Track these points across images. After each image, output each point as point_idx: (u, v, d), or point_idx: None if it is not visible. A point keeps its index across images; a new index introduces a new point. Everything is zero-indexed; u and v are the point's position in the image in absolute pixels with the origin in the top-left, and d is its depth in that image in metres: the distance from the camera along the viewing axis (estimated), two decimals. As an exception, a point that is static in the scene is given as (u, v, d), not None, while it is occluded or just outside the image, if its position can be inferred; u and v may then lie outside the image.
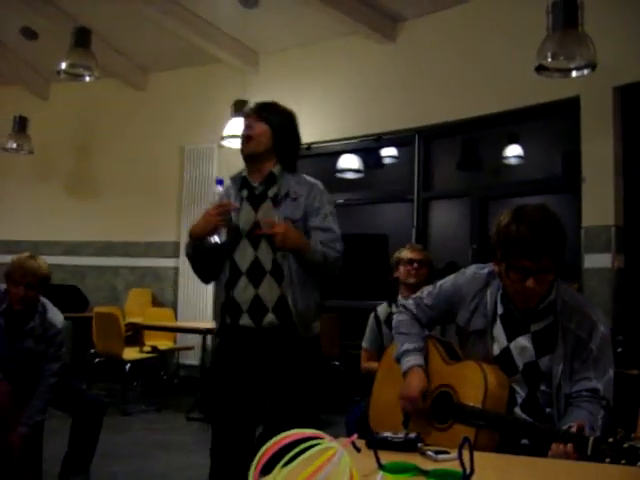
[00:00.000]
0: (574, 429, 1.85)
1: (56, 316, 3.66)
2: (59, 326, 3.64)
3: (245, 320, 2.85)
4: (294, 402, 2.87)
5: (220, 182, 2.99)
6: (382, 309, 4.00)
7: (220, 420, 2.94)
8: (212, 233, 2.87)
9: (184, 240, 8.01)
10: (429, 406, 2.27)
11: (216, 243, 2.89)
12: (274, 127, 2.93)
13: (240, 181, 2.98)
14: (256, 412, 2.92)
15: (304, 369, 2.89)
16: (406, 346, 2.41)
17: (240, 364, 2.89)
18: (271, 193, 2.91)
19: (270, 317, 2.83)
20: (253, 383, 2.89)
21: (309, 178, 3.01)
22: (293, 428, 2.92)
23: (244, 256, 2.87)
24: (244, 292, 2.85)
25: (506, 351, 2.26)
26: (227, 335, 2.95)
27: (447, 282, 2.48)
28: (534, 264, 2.10)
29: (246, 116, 2.99)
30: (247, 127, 2.93)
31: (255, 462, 1.11)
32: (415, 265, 3.88)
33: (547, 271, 2.12)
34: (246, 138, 2.92)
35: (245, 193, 2.94)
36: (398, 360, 2.41)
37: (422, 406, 2.25)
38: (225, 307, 2.91)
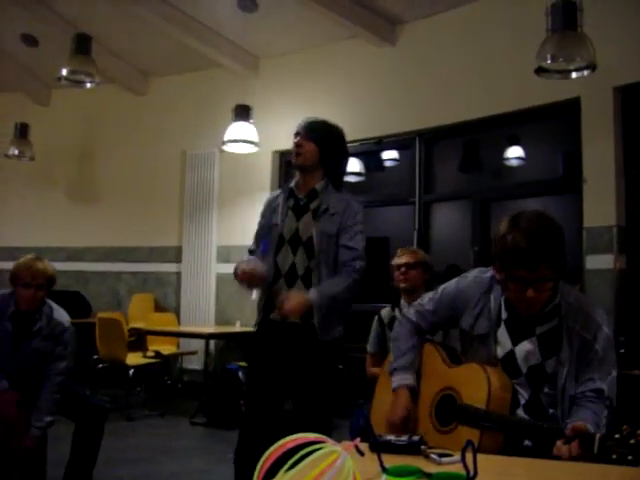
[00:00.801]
0: (569, 431, 1.85)
1: (62, 315, 3.69)
2: (66, 324, 3.68)
3: (275, 315, 3.14)
4: (304, 399, 3.14)
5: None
6: (385, 313, 4.01)
7: (250, 400, 3.29)
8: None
9: (186, 245, 8.11)
10: (433, 409, 2.27)
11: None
12: (321, 145, 3.20)
13: (288, 191, 3.28)
14: (281, 395, 3.22)
15: (318, 370, 3.13)
16: (396, 363, 2.43)
17: (267, 355, 3.20)
18: (313, 206, 3.20)
19: (294, 316, 3.07)
20: (276, 372, 3.17)
21: (349, 196, 3.27)
22: (303, 425, 3.05)
23: (285, 260, 3.17)
24: (278, 290, 3.14)
25: (510, 355, 2.26)
26: (261, 328, 3.25)
27: (449, 287, 2.47)
28: (531, 274, 2.08)
29: (296, 134, 3.23)
30: (297, 145, 3.21)
31: (259, 467, 1.11)
32: (402, 269, 3.90)
33: (546, 280, 2.11)
34: (297, 152, 3.21)
35: (291, 203, 3.24)
36: (390, 374, 2.44)
37: (409, 426, 2.28)
38: (266, 305, 3.21)
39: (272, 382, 3.17)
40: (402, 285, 3.89)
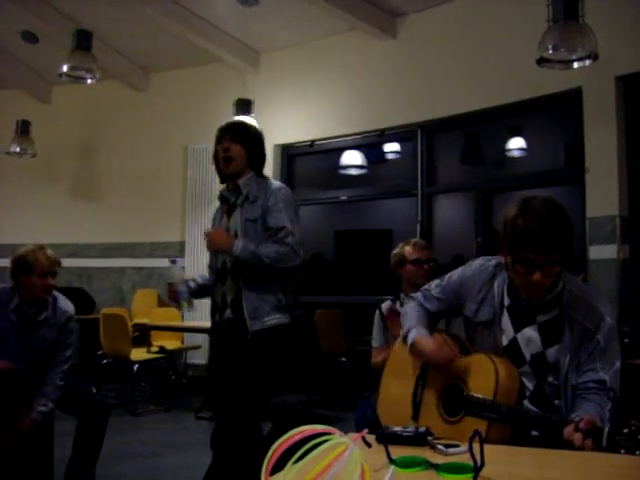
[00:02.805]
0: (583, 424, 1.84)
1: (66, 304, 3.73)
2: (70, 312, 3.72)
3: (217, 316, 3.28)
4: (236, 391, 3.14)
5: (174, 261, 3.41)
6: (386, 306, 3.97)
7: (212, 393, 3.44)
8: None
9: (189, 240, 8.11)
10: (440, 399, 2.27)
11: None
12: (248, 147, 3.30)
13: (220, 199, 3.40)
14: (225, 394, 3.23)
15: (250, 360, 3.13)
16: (408, 324, 2.45)
17: (214, 354, 3.41)
18: (239, 201, 3.26)
19: (228, 312, 3.21)
20: (219, 369, 3.28)
21: (272, 182, 3.35)
22: (233, 415, 3.08)
23: (218, 259, 3.28)
24: (218, 292, 3.28)
25: (514, 342, 2.27)
26: (212, 329, 3.40)
27: (454, 274, 2.49)
28: (540, 257, 2.09)
29: (221, 139, 3.29)
30: (226, 149, 3.25)
31: (266, 460, 1.11)
32: (425, 267, 3.73)
33: (553, 264, 2.11)
34: (226, 160, 3.26)
35: (225, 207, 3.35)
36: (404, 339, 2.43)
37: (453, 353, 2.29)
38: (211, 308, 3.34)
39: (219, 379, 3.28)
40: (421, 281, 3.65)
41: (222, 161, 3.28)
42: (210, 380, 3.50)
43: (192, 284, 3.42)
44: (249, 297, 3.14)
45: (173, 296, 3.43)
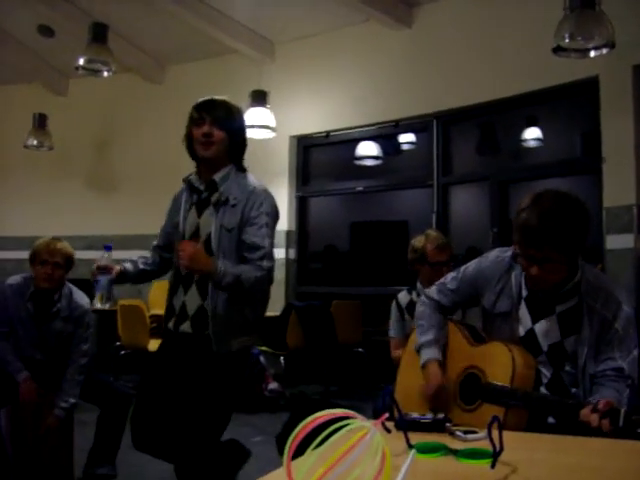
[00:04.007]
0: (601, 405, 1.86)
1: (82, 298, 3.77)
2: (86, 307, 3.75)
3: (171, 323, 2.90)
4: (194, 415, 2.81)
5: (108, 248, 2.93)
6: (403, 296, 3.98)
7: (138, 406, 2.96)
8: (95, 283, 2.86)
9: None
10: (457, 388, 2.28)
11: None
12: (231, 133, 2.88)
13: (188, 186, 2.97)
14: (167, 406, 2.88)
15: (206, 386, 2.80)
16: (423, 339, 2.44)
17: (162, 364, 2.94)
18: (214, 199, 2.85)
19: (187, 325, 2.83)
20: (168, 383, 2.88)
21: (253, 181, 2.90)
22: (187, 437, 2.75)
23: None
24: (178, 298, 2.89)
25: (531, 332, 2.28)
26: (163, 336, 3.04)
27: (470, 266, 2.49)
28: (539, 253, 2.11)
29: (200, 120, 2.86)
30: (207, 134, 2.83)
31: (288, 444, 1.13)
32: (445, 269, 3.59)
33: (553, 261, 2.12)
34: (207, 142, 2.84)
35: (194, 198, 2.93)
36: (417, 352, 2.45)
37: (443, 397, 2.28)
38: (166, 311, 2.95)
39: (160, 393, 2.87)
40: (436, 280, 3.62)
41: (201, 145, 2.84)
42: (144, 394, 2.97)
43: (117, 270, 2.88)
44: (216, 315, 2.77)
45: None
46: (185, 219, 2.91)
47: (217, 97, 2.93)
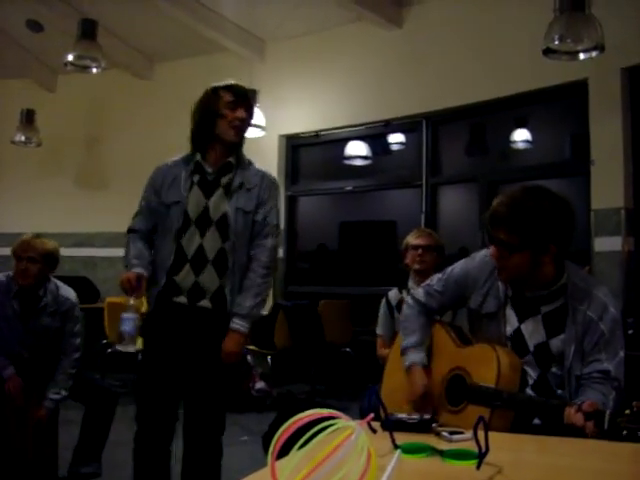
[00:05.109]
0: (585, 406, 1.86)
1: (69, 292, 3.76)
2: (73, 300, 3.74)
3: (181, 299, 2.87)
4: (214, 381, 2.89)
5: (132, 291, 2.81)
6: (393, 294, 3.99)
7: (146, 390, 2.98)
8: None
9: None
10: (443, 389, 2.28)
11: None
12: (251, 116, 2.98)
13: (194, 165, 2.93)
14: (179, 386, 2.92)
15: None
16: (406, 342, 2.46)
17: (169, 339, 2.89)
18: (224, 181, 2.89)
19: (205, 302, 2.85)
20: (179, 358, 2.88)
21: (263, 169, 3.01)
22: (207, 406, 2.84)
23: (191, 242, 2.85)
24: (185, 279, 2.85)
25: (518, 332, 2.28)
26: (160, 310, 2.93)
27: (457, 267, 2.50)
28: (493, 231, 2.20)
29: (239, 103, 2.91)
30: (244, 119, 2.90)
31: (272, 444, 1.12)
32: (420, 251, 3.80)
33: (504, 245, 2.17)
34: (241, 127, 2.90)
35: (197, 178, 2.91)
36: (402, 354, 2.46)
37: (428, 400, 2.30)
38: (164, 290, 2.89)
39: (172, 369, 2.88)
40: (416, 266, 3.82)
41: (234, 128, 2.87)
42: (150, 367, 2.96)
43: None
44: (234, 291, 2.86)
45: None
46: (187, 198, 2.87)
47: (242, 84, 3.01)
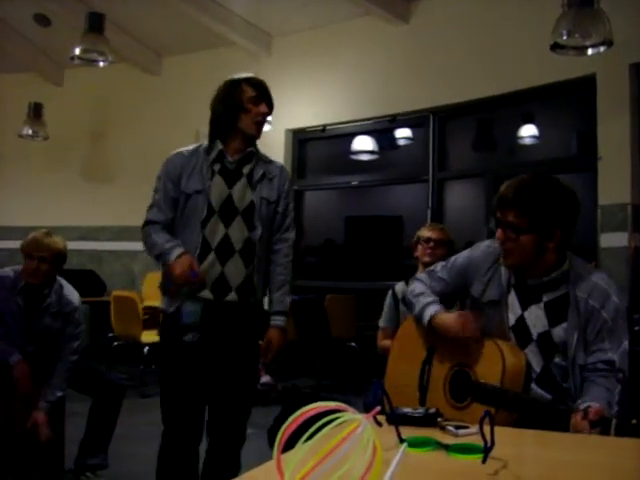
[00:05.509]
0: (592, 415, 1.85)
1: (72, 294, 3.72)
2: (76, 303, 3.70)
3: (205, 294, 2.80)
4: (242, 379, 2.92)
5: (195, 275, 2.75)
6: (400, 288, 3.99)
7: (174, 392, 2.88)
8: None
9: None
10: (446, 385, 2.28)
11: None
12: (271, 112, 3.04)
13: (216, 154, 2.89)
14: (206, 385, 2.89)
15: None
16: (424, 300, 2.44)
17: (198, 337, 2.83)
18: (246, 171, 2.89)
19: (232, 295, 2.82)
20: (207, 354, 2.84)
21: (278, 162, 3.08)
22: (237, 398, 2.86)
23: (214, 232, 2.81)
24: (211, 269, 2.80)
25: (521, 320, 2.29)
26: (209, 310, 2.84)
27: (460, 256, 2.53)
28: (501, 214, 2.21)
29: (263, 99, 2.95)
30: (266, 115, 2.96)
31: (278, 437, 1.12)
32: (431, 244, 3.83)
33: (513, 228, 2.19)
34: (263, 123, 2.95)
35: (218, 167, 2.88)
36: (419, 317, 2.42)
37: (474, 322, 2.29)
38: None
39: (199, 368, 2.84)
40: (426, 259, 3.83)
41: (257, 124, 2.90)
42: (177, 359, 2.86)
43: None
44: (261, 281, 2.90)
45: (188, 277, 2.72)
46: (210, 187, 2.84)
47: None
